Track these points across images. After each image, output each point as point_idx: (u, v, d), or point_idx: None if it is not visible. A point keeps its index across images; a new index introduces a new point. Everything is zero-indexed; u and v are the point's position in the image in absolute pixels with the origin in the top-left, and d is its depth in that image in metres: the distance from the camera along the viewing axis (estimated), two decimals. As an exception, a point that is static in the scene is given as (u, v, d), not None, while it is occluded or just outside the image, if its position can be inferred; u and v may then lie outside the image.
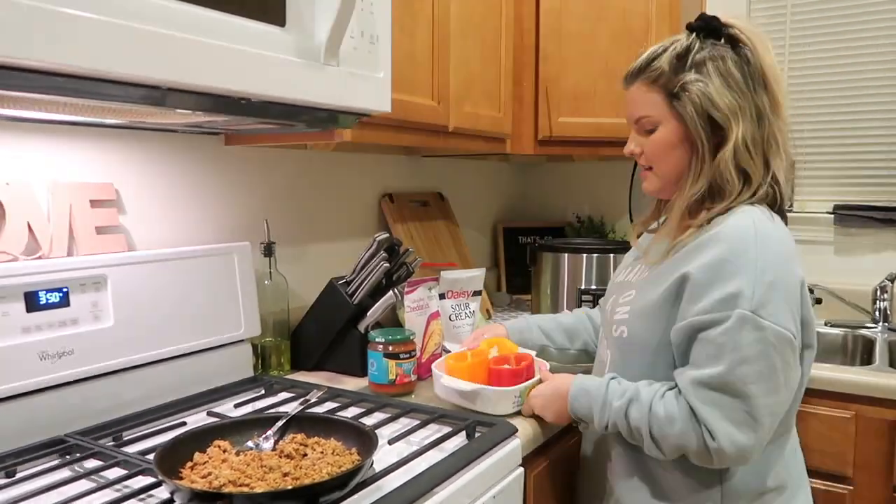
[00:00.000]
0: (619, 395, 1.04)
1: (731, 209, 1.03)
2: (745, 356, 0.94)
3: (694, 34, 1.05)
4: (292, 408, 1.02)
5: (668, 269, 1.06)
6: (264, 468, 0.89)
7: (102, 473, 0.96)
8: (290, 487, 0.84)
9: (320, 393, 1.21)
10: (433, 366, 1.29)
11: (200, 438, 0.97)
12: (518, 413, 1.23)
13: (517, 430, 1.14)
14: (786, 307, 0.96)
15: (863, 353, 1.98)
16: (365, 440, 0.95)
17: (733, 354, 0.94)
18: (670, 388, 1.02)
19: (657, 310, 1.05)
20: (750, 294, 0.94)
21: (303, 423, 1.02)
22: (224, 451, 0.95)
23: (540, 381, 1.29)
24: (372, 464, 0.92)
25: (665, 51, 1.06)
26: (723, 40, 1.04)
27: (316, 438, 0.99)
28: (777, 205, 1.07)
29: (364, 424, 1.00)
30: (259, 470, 0.89)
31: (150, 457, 0.98)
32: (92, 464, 0.99)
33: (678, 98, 1.04)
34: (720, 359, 0.95)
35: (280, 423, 1.01)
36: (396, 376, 1.34)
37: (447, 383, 1.23)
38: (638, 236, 1.23)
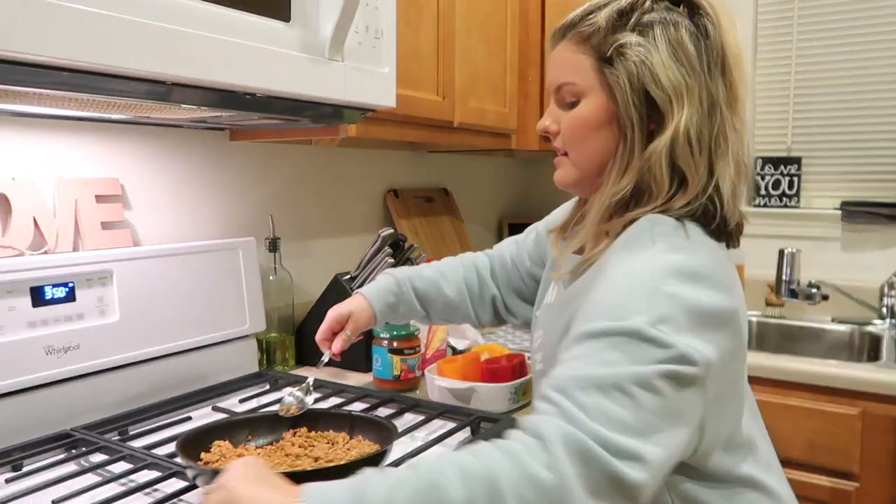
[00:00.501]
0: None
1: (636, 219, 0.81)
2: None
3: None
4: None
5: (566, 302, 0.85)
6: (289, 456, 0.90)
7: (108, 467, 0.96)
8: (333, 464, 0.84)
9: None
10: (426, 370, 1.29)
11: (203, 438, 0.94)
12: (516, 409, 1.23)
13: (522, 426, 1.13)
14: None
15: (870, 350, 1.96)
16: (385, 435, 0.93)
17: None
18: None
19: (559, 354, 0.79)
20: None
21: (318, 420, 1.01)
22: (235, 448, 0.95)
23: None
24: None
25: (607, 5, 0.82)
26: (681, 7, 0.82)
27: (334, 433, 0.99)
28: (714, 223, 0.81)
29: (385, 419, 0.99)
30: (285, 459, 0.90)
31: (156, 451, 0.99)
32: (98, 458, 1.00)
33: (611, 64, 0.80)
34: None
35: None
36: (401, 372, 1.34)
37: (441, 383, 1.23)
38: (556, 245, 0.97)
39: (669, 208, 0.80)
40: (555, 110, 0.88)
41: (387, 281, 1.08)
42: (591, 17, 0.82)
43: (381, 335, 1.36)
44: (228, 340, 1.35)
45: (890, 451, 1.54)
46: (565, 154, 0.88)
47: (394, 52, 1.17)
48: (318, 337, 1.04)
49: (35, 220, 1.13)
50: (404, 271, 1.10)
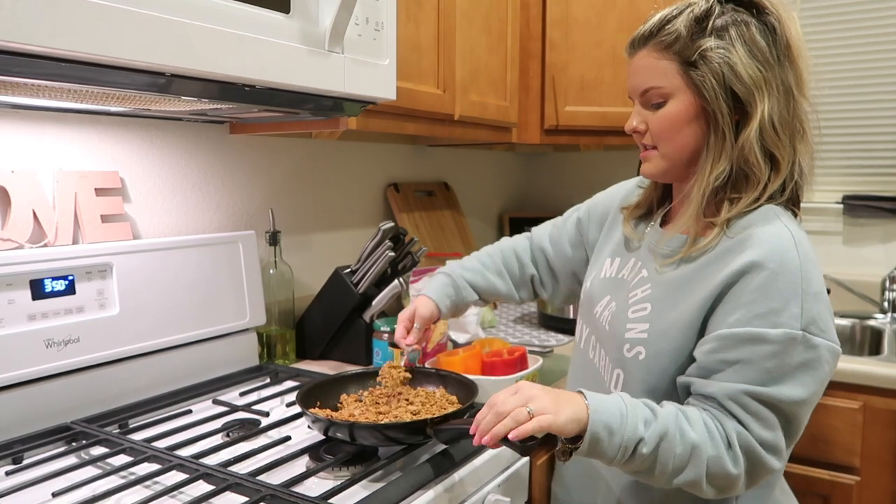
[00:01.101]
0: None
1: (753, 209, 0.90)
2: None
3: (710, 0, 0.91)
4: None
5: (691, 280, 0.91)
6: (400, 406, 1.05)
7: (108, 460, 0.96)
8: (451, 410, 1.01)
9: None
10: (427, 363, 1.29)
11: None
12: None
13: (522, 420, 1.14)
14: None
15: (871, 344, 1.97)
16: (467, 390, 1.10)
17: None
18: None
19: (688, 329, 0.89)
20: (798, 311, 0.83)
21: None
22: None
23: (535, 373, 1.28)
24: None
25: (681, 13, 0.91)
26: (747, 7, 0.91)
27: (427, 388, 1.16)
28: (800, 201, 0.95)
29: (465, 377, 1.14)
30: (390, 408, 1.04)
31: (156, 444, 0.99)
32: (98, 451, 1.00)
33: (696, 67, 0.89)
34: None
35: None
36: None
37: None
38: (628, 223, 1.07)
39: (772, 193, 0.90)
40: (641, 111, 0.96)
41: (442, 279, 1.23)
42: (668, 26, 0.91)
43: (382, 329, 1.36)
44: (229, 334, 1.35)
45: (891, 444, 1.54)
46: (653, 148, 0.96)
47: (394, 44, 1.17)
48: (396, 338, 1.17)
49: (34, 213, 1.13)
50: (454, 268, 1.25)
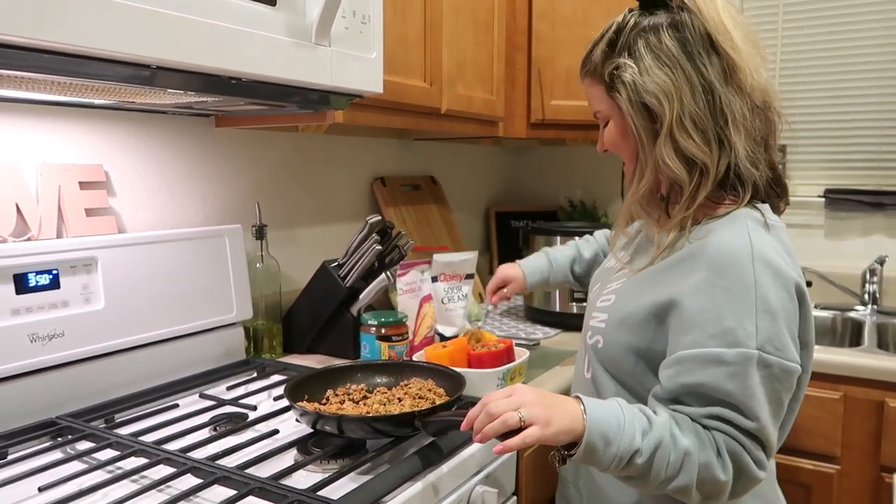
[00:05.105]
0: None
1: (726, 213, 0.91)
2: None
3: (630, 12, 0.94)
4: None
5: (651, 279, 0.94)
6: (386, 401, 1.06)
7: (95, 455, 0.96)
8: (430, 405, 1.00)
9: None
10: (414, 357, 1.30)
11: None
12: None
13: (509, 412, 1.14)
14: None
15: (852, 335, 2.00)
16: (454, 383, 1.10)
17: None
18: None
19: (637, 327, 0.93)
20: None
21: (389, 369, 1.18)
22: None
23: (522, 366, 1.29)
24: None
25: (601, 38, 0.95)
26: (661, 9, 0.91)
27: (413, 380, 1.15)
28: (758, 191, 0.92)
29: (452, 370, 1.15)
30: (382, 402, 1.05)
31: (143, 438, 0.99)
32: (84, 445, 0.99)
33: (614, 88, 0.92)
34: None
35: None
36: (389, 358, 1.34)
37: None
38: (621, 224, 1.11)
39: (703, 193, 0.88)
40: (601, 131, 1.03)
41: (540, 258, 1.47)
42: (592, 53, 0.96)
43: (369, 322, 1.36)
44: (215, 328, 1.35)
45: (870, 434, 1.57)
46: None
47: (381, 37, 1.17)
48: (487, 289, 1.47)
49: (18, 207, 1.12)
50: (553, 251, 1.46)
